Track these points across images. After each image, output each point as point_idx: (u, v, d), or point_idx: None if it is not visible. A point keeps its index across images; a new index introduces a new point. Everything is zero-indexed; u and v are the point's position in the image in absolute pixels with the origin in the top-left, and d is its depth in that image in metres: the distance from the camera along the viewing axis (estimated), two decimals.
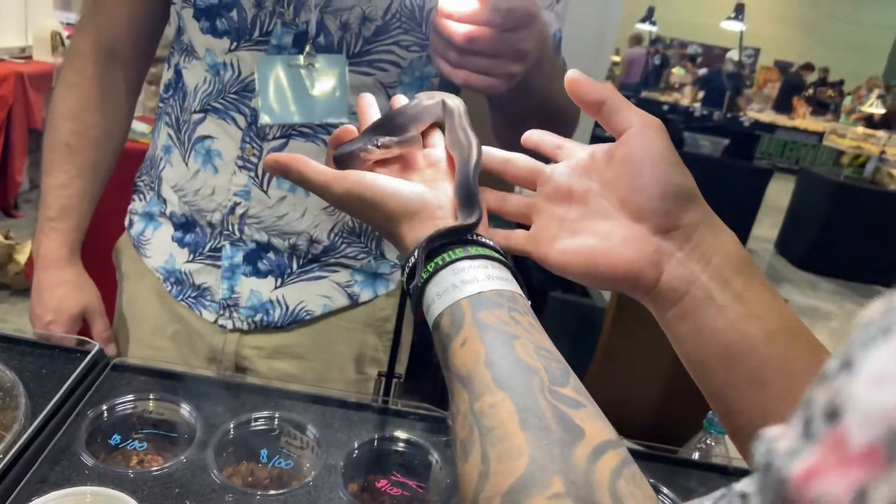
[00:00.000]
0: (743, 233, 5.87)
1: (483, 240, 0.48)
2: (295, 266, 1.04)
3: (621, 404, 1.93)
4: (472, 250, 0.47)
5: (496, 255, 0.47)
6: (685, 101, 9.61)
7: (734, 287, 0.46)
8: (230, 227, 1.01)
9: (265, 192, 0.99)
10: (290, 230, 1.01)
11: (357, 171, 0.52)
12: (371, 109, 0.63)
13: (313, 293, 1.05)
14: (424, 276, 0.47)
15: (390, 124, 0.58)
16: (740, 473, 0.99)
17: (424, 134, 0.60)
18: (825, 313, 4.97)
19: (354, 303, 1.07)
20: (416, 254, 0.48)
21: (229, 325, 1.05)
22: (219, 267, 1.03)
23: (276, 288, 1.04)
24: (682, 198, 0.48)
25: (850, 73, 12.90)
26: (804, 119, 10.77)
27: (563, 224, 0.52)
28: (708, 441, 1.02)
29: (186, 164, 1.02)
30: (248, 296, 1.04)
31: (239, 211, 1.00)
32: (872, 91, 8.86)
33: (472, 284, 0.45)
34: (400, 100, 0.64)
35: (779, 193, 6.71)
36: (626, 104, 0.50)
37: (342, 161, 0.55)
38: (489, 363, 0.41)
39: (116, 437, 0.88)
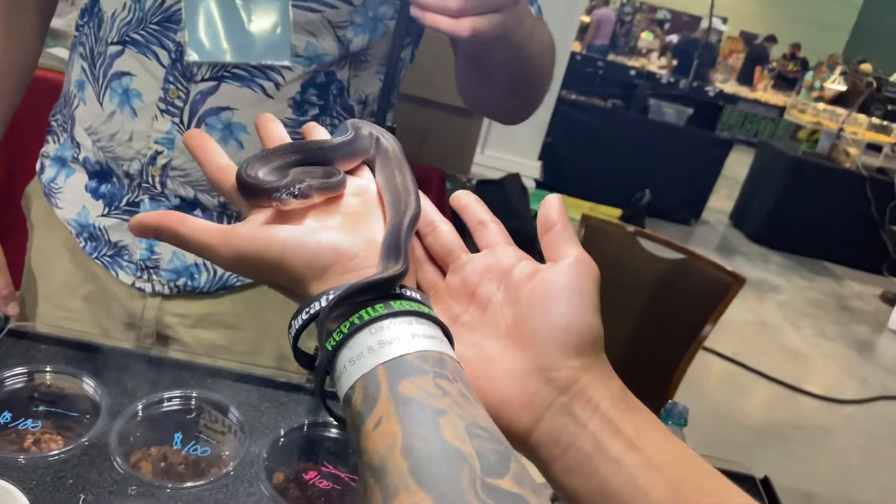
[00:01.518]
0: (699, 203, 5.89)
1: (409, 293, 0.40)
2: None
3: None
4: (396, 305, 0.38)
5: (422, 308, 0.39)
6: (652, 67, 9.53)
7: (626, 434, 0.39)
8: (150, 180, 0.89)
9: None
10: None
11: (249, 227, 0.42)
12: (273, 126, 0.51)
13: None
14: (337, 339, 0.37)
15: (311, 155, 0.47)
16: None
17: (351, 171, 0.49)
18: (774, 286, 5.03)
19: None
20: (318, 305, 0.39)
21: (148, 288, 0.93)
22: None
23: None
24: (585, 340, 0.40)
25: (812, 48, 12.98)
26: (765, 92, 10.82)
27: (453, 322, 0.45)
28: None
29: (101, 104, 0.89)
30: (170, 257, 0.92)
31: (160, 161, 0.88)
32: (834, 69, 8.91)
33: (392, 346, 0.36)
34: (314, 129, 0.53)
35: (737, 165, 6.74)
36: (571, 238, 0.44)
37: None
38: (408, 450, 0.32)
39: (7, 415, 0.77)
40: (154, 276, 0.93)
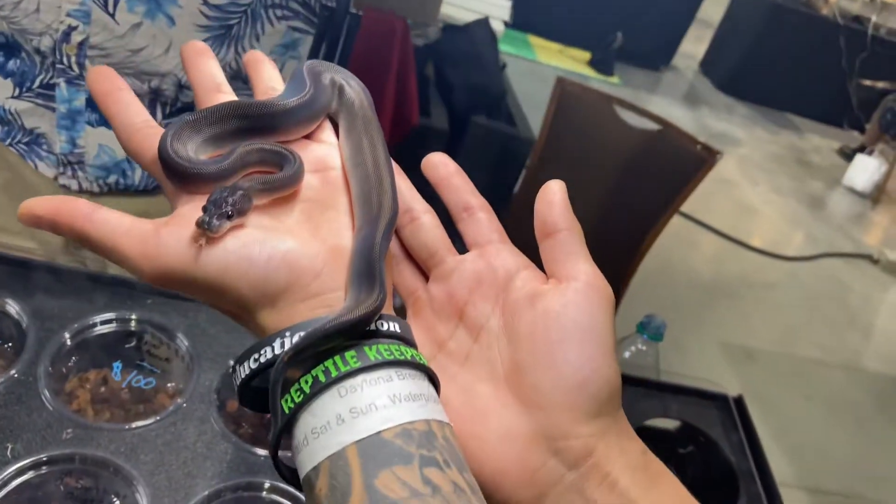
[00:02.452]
0: (670, 48, 5.67)
1: (385, 325, 0.31)
2: (159, 115, 0.80)
3: (535, 249, 1.84)
4: (371, 353, 0.29)
5: (404, 352, 0.30)
6: None
7: None
8: (65, 60, 0.75)
9: (111, 16, 0.72)
10: (151, 70, 0.76)
11: (178, 235, 0.31)
12: (204, 63, 0.38)
13: None
14: (297, 399, 0.29)
15: (257, 121, 0.35)
16: (670, 389, 0.91)
17: (309, 135, 0.38)
18: (735, 140, 5.00)
19: None
20: (270, 352, 0.30)
21: (73, 185, 0.82)
22: (54, 110, 0.78)
23: None
24: (601, 399, 0.32)
25: None
26: None
27: (438, 349, 0.36)
28: (639, 345, 0.92)
29: None
30: (97, 152, 0.80)
31: (76, 38, 0.73)
32: None
33: (366, 417, 0.28)
34: (259, 63, 0.40)
35: (712, 6, 6.46)
36: (581, 249, 0.35)
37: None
38: None
39: None
40: (79, 173, 0.81)
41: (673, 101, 5.23)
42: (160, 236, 0.31)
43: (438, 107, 2.17)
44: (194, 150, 0.34)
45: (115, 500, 0.61)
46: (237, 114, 0.35)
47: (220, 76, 0.38)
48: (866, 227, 4.39)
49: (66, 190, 0.82)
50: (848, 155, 5.03)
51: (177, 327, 0.73)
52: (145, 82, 0.77)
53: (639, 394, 0.85)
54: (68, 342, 0.69)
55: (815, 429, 2.49)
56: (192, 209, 0.32)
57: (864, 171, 4.66)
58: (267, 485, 0.63)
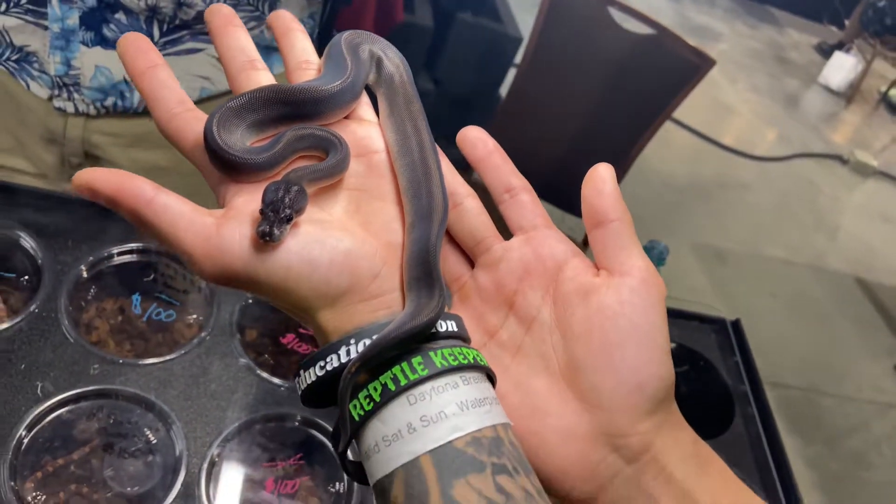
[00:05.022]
0: None
1: (446, 327, 0.31)
2: (157, 34, 0.75)
3: (522, 154, 1.83)
4: (437, 360, 0.29)
5: (467, 354, 0.30)
6: None
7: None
8: None
9: None
10: None
11: (240, 236, 0.30)
12: (233, 35, 0.36)
13: (185, 71, 0.78)
14: (368, 407, 0.29)
15: (299, 108, 0.34)
16: (670, 313, 0.94)
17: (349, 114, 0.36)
18: (716, 34, 4.93)
19: None
20: (336, 360, 0.30)
21: (69, 108, 0.78)
22: (46, 28, 0.73)
23: None
24: (658, 398, 0.33)
25: None
26: None
27: (490, 337, 0.36)
28: None
29: None
30: (94, 73, 0.76)
31: None
32: None
33: (437, 426, 0.28)
34: (288, 28, 0.38)
35: None
36: (633, 242, 0.35)
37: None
38: None
39: None
40: (76, 95, 0.77)
41: None
42: (222, 236, 0.30)
43: (423, 2, 2.08)
44: (239, 138, 0.33)
45: (148, 433, 0.62)
46: (279, 99, 0.33)
47: (250, 49, 0.36)
48: (838, 126, 4.43)
49: (62, 112, 0.78)
50: (826, 51, 5.00)
51: None
52: None
53: None
54: (84, 274, 0.68)
55: (778, 325, 2.60)
56: (246, 202, 0.31)
57: (841, 68, 4.65)
58: (299, 417, 0.65)
